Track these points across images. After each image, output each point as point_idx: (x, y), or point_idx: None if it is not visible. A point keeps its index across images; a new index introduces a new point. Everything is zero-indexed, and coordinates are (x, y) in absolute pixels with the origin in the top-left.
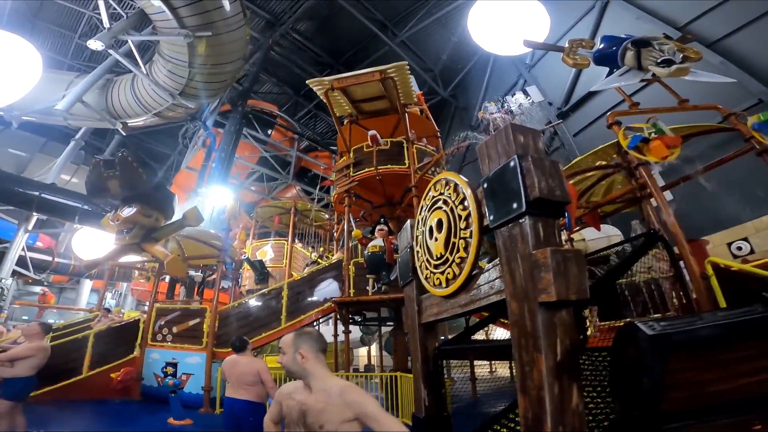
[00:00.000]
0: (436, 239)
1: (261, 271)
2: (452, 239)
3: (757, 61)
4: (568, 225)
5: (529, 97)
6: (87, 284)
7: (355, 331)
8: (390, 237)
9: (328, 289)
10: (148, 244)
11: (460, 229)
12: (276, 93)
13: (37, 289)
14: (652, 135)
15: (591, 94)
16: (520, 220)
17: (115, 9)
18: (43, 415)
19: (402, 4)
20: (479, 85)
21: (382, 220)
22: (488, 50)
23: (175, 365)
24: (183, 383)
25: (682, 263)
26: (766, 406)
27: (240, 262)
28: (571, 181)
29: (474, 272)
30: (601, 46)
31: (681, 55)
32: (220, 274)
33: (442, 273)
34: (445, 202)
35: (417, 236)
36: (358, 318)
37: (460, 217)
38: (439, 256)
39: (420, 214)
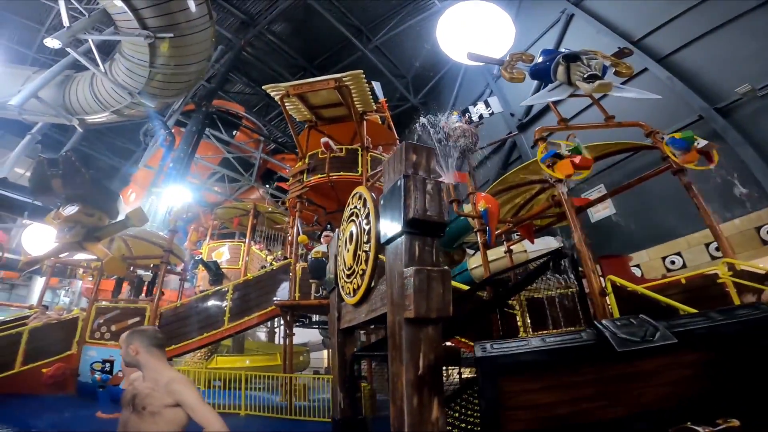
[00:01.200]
0: (348, 250)
1: (215, 272)
2: (358, 251)
3: (701, 77)
4: (488, 239)
5: (489, 108)
6: (39, 281)
7: (317, 335)
8: None
9: (279, 292)
10: (89, 242)
11: (363, 242)
12: (248, 93)
13: None
14: (566, 153)
15: (549, 107)
16: (399, 239)
17: (76, 7)
18: None
19: (377, 10)
20: (450, 94)
21: (328, 226)
22: (455, 59)
23: (111, 362)
24: (119, 380)
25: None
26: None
27: (195, 263)
28: (505, 196)
29: (372, 284)
30: (540, 60)
31: (614, 70)
32: (164, 273)
33: (351, 282)
34: (356, 215)
35: (339, 245)
36: (305, 321)
37: (364, 230)
38: (349, 266)
39: (342, 224)
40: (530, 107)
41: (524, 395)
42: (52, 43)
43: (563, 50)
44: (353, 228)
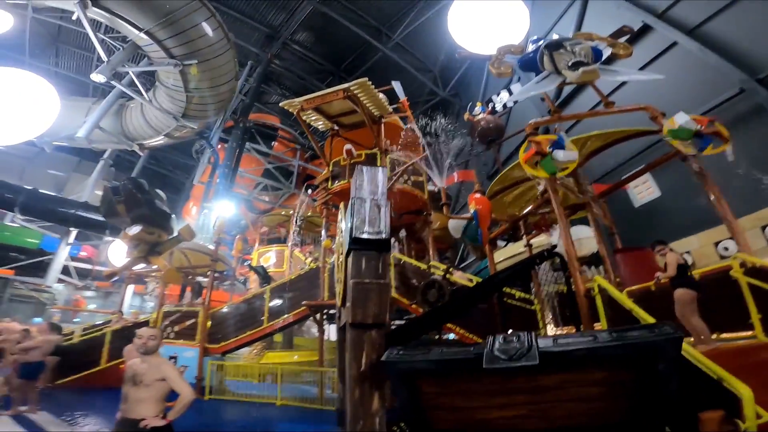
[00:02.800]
0: (338, 258)
1: (263, 276)
2: (339, 261)
3: (737, 47)
4: (479, 240)
5: (512, 95)
6: (130, 289)
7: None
8: None
9: (310, 293)
10: (153, 256)
11: (341, 253)
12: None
13: (88, 293)
14: (548, 150)
15: (579, 89)
16: (351, 253)
17: (112, 41)
18: (65, 397)
19: (393, 8)
20: (479, 83)
21: None
22: (469, 50)
23: (175, 359)
24: (181, 373)
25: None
26: None
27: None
28: (516, 191)
29: (347, 291)
30: (530, 50)
31: (610, 51)
32: (212, 280)
33: (339, 287)
34: (341, 229)
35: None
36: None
37: (340, 242)
38: (340, 273)
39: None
40: (560, 90)
41: (442, 397)
42: (97, 78)
43: (553, 37)
44: (339, 239)
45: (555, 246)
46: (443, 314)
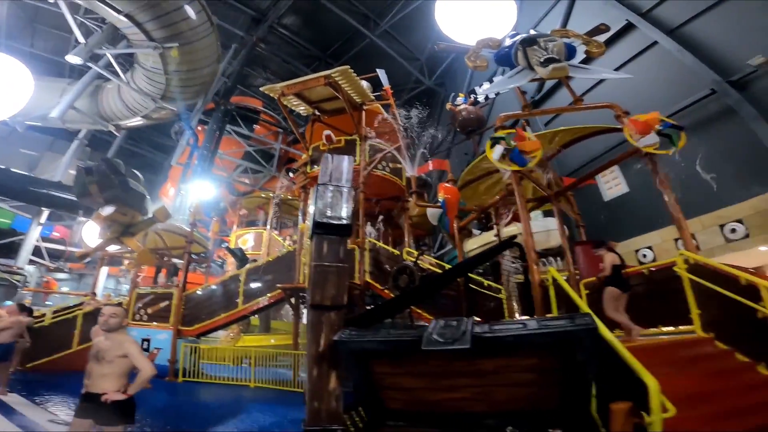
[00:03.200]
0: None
1: (241, 258)
2: (307, 245)
3: (713, 49)
4: (446, 227)
5: (483, 89)
6: (104, 271)
7: None
8: None
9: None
10: (126, 237)
11: (308, 237)
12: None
13: (61, 275)
14: (512, 143)
15: (559, 83)
16: (313, 237)
17: (90, 22)
18: (36, 380)
19: None
20: (465, 73)
21: None
22: (456, 41)
23: (148, 341)
24: (154, 356)
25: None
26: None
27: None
28: (489, 181)
29: None
30: (507, 44)
31: (584, 48)
32: (187, 262)
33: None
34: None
35: None
36: None
37: (308, 226)
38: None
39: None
40: (541, 85)
41: (391, 377)
42: (73, 59)
43: (531, 33)
44: (308, 223)
45: (515, 236)
46: (408, 299)
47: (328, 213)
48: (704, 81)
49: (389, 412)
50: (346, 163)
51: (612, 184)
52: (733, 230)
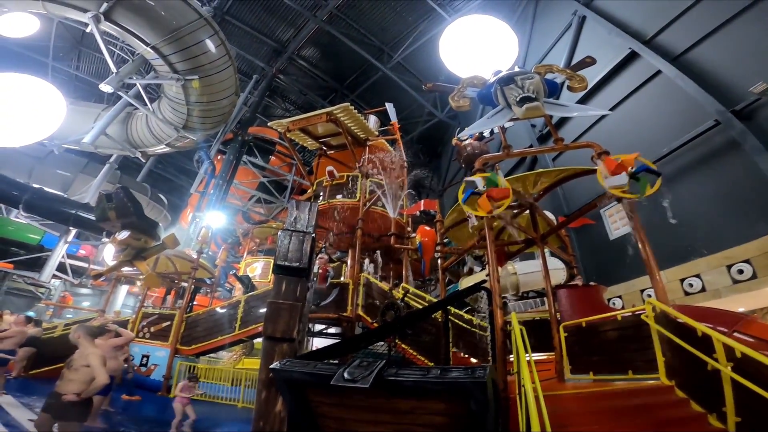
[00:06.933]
0: None
1: (248, 285)
2: None
3: (716, 75)
4: (422, 270)
5: (464, 131)
6: (123, 289)
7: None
8: (326, 265)
9: None
10: (137, 261)
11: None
12: (288, 117)
13: (84, 291)
14: (482, 189)
15: (567, 117)
16: (274, 277)
17: (125, 52)
18: (33, 386)
19: (396, 29)
20: (477, 106)
21: (323, 250)
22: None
23: (147, 357)
24: (151, 371)
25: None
26: None
27: (225, 275)
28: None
29: None
30: (491, 81)
31: (567, 83)
32: (191, 287)
33: None
34: None
35: None
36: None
37: None
38: None
39: None
40: (550, 118)
41: (326, 407)
42: (105, 87)
43: (514, 70)
44: None
45: (485, 281)
46: (374, 334)
47: (288, 257)
48: (708, 111)
49: None
50: (307, 211)
51: (619, 222)
52: (741, 271)
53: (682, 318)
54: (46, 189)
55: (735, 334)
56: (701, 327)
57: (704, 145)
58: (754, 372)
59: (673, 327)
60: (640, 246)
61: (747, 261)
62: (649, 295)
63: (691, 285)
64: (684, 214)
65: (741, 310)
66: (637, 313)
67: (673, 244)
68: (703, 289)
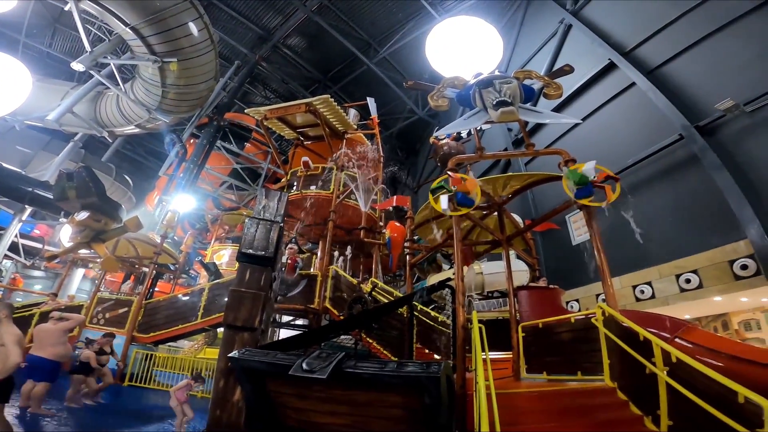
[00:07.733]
0: None
1: (214, 272)
2: None
3: (685, 90)
4: (390, 265)
5: (440, 129)
6: (79, 272)
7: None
8: (295, 256)
9: None
10: (95, 243)
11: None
12: (268, 105)
13: (37, 273)
14: (453, 190)
15: (542, 123)
16: (239, 265)
17: (99, 30)
18: None
19: (385, 24)
20: (457, 106)
21: (293, 240)
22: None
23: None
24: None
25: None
26: None
27: (191, 262)
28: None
29: None
30: (470, 84)
31: (543, 90)
32: (152, 272)
33: None
34: None
35: None
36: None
37: None
38: None
39: None
40: (525, 123)
41: (285, 396)
42: (77, 66)
43: (494, 74)
44: None
45: (450, 279)
46: (336, 327)
47: (254, 245)
48: (674, 125)
49: (286, 428)
50: (276, 200)
51: (582, 228)
52: (688, 281)
53: (627, 322)
54: (2, 164)
55: (676, 339)
56: (642, 331)
57: (667, 158)
58: (688, 377)
59: (620, 331)
60: (595, 253)
61: (695, 271)
62: (603, 300)
63: (642, 292)
64: (642, 223)
65: (687, 317)
66: (588, 316)
67: (629, 252)
68: (653, 296)
